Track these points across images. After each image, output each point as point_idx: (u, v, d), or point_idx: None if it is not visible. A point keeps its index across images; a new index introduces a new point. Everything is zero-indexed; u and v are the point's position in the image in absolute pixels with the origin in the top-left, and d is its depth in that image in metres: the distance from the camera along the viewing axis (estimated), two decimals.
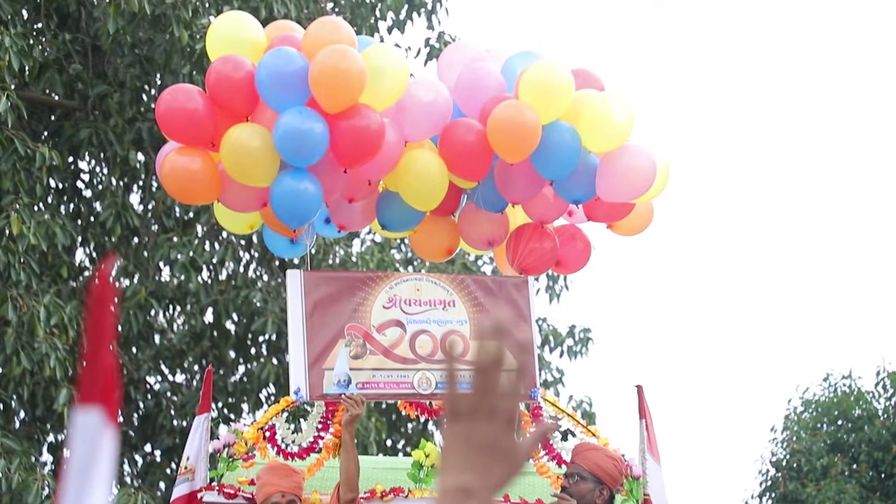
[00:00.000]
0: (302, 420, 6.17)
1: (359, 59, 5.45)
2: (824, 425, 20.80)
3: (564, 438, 6.39)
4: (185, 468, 5.84)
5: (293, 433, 6.00)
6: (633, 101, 5.99)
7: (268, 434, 5.94)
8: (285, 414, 6.07)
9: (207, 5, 9.97)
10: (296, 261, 6.82)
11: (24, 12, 10.20)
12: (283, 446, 5.94)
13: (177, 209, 11.01)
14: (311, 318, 5.98)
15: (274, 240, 6.24)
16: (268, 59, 5.50)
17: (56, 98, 10.39)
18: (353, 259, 11.61)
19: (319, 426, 5.99)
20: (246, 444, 5.88)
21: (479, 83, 5.96)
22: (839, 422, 20.68)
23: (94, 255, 11.00)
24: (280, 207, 5.61)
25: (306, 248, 6.27)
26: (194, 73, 9.79)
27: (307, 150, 5.45)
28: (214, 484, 5.82)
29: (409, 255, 12.29)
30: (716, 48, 43.81)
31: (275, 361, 11.25)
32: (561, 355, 13.05)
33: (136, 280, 10.85)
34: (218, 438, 5.91)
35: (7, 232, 8.76)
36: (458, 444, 1.52)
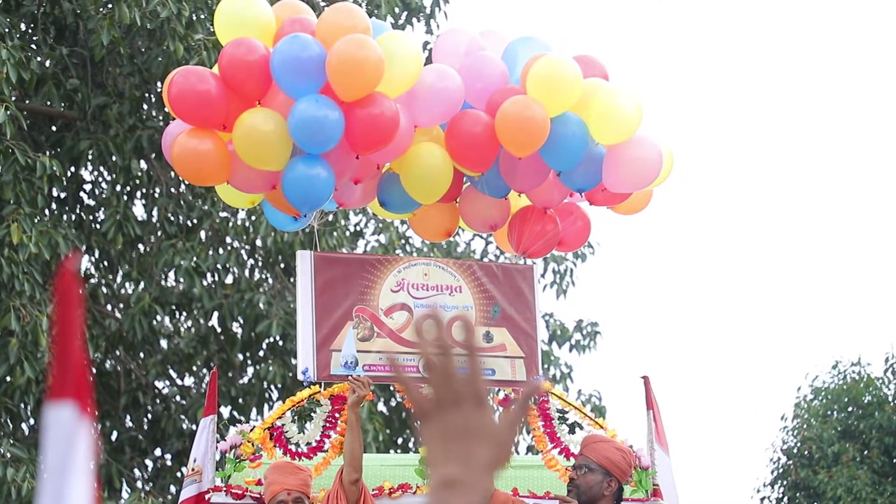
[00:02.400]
0: (308, 420, 6.17)
1: (376, 48, 5.43)
2: (834, 412, 20.74)
3: (572, 431, 6.38)
4: (193, 469, 5.86)
5: (299, 433, 6.01)
6: (641, 91, 5.96)
7: (274, 434, 5.95)
8: (291, 414, 6.08)
9: (203, 17, 9.95)
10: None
11: (22, 25, 10.20)
12: (289, 446, 5.95)
13: (180, 216, 11.00)
14: (320, 298, 6.03)
15: (275, 215, 6.23)
16: (284, 45, 5.47)
17: (56, 109, 10.38)
18: None
19: (326, 425, 5.99)
20: (252, 444, 5.89)
21: (482, 72, 5.90)
22: (849, 409, 20.62)
23: (98, 263, 11.01)
24: (293, 193, 5.61)
25: (307, 222, 6.26)
26: None
27: (322, 137, 5.43)
28: (222, 485, 5.83)
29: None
30: (716, 35, 43.76)
31: (280, 364, 11.24)
32: (570, 350, 13.02)
33: (140, 287, 10.85)
34: (225, 440, 5.92)
35: (7, 240, 8.75)
36: (435, 440, 1.50)
